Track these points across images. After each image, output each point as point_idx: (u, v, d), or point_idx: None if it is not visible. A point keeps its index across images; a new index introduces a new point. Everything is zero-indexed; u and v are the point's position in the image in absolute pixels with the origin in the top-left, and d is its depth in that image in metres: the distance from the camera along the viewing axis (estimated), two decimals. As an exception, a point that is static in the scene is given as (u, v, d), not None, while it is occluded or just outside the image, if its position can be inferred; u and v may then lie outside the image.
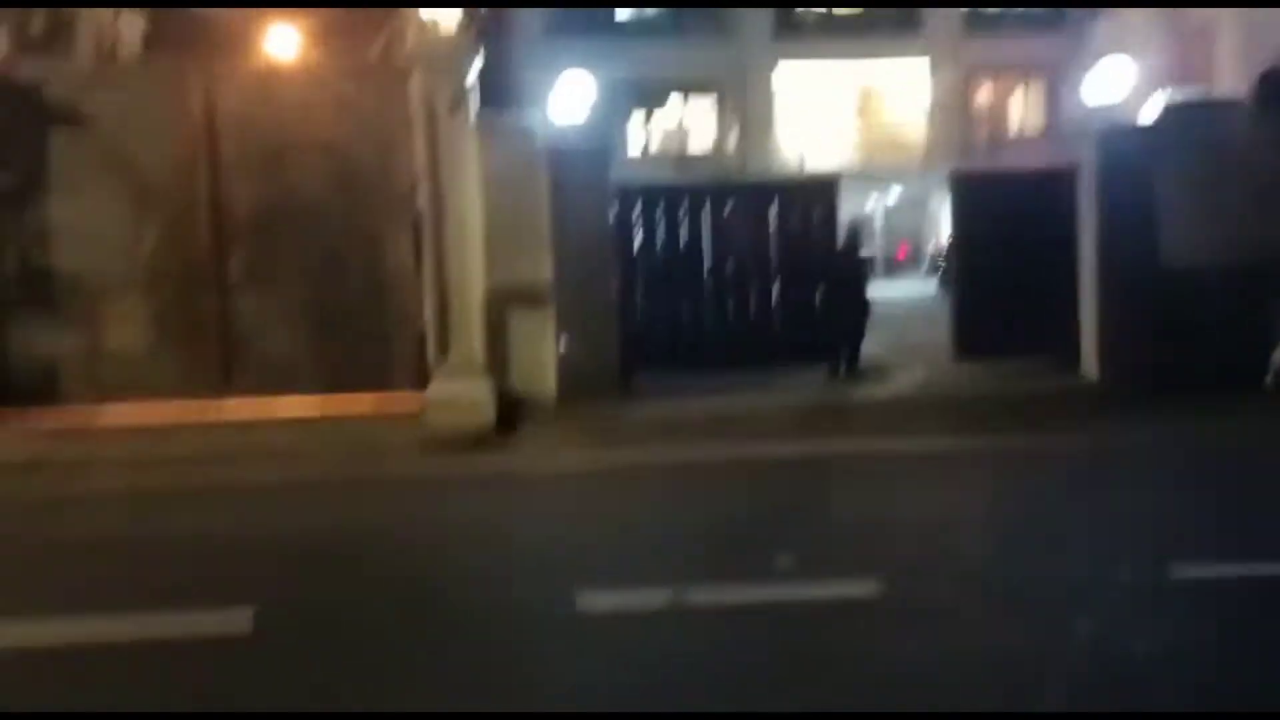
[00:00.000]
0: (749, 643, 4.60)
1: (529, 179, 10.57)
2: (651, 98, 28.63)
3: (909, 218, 29.88)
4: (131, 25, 30.64)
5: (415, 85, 10.23)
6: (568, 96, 11.12)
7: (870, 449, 8.82)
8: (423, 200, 10.26)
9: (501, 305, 10.52)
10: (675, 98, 28.89)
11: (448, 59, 10.24)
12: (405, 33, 11.02)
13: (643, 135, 28.93)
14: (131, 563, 6.00)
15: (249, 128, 10.32)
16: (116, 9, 24.32)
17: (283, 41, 15.58)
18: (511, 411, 10.07)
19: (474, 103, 10.43)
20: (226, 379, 10.35)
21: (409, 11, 11.34)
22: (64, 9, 17.86)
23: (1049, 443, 8.75)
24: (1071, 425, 9.30)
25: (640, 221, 11.52)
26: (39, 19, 16.91)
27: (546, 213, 10.59)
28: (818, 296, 11.91)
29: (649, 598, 5.04)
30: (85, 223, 10.11)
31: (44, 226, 10.10)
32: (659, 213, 11.63)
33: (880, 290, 15.63)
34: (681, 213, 11.66)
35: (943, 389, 11.25)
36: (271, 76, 11.01)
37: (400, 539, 6.52)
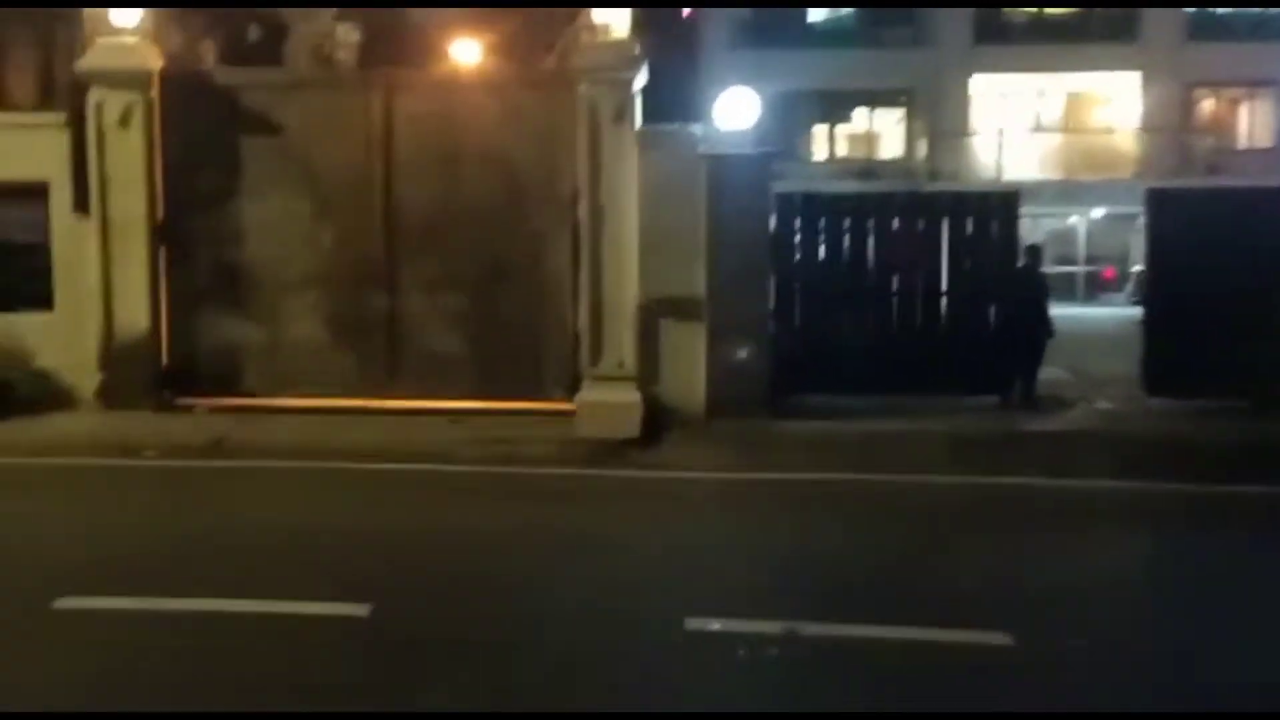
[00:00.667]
0: (853, 681, 4.37)
1: (688, 190, 10.48)
2: (840, 107, 28.03)
3: (1117, 237, 27.99)
4: (347, 36, 32.58)
5: (582, 94, 10.32)
6: (734, 108, 10.92)
7: (1033, 486, 8.25)
8: (583, 208, 10.36)
9: (654, 315, 10.49)
10: (864, 106, 28.16)
11: (614, 68, 10.30)
12: (576, 43, 11.17)
13: (828, 145, 28.34)
14: (276, 551, 6.29)
15: (424, 135, 10.69)
16: (335, 18, 25.83)
17: (463, 52, 16.13)
18: (659, 422, 10.03)
19: (638, 112, 10.43)
20: (391, 376, 10.76)
21: (583, 20, 11.48)
22: (275, 16, 19.17)
23: (1236, 493, 7.92)
24: (1266, 477, 8.37)
25: (801, 233, 11.18)
26: (254, 28, 18.20)
27: (704, 224, 10.47)
28: (992, 317, 11.23)
29: (759, 626, 4.88)
30: (271, 223, 10.73)
31: (235, 226, 10.75)
32: (821, 224, 11.27)
33: (1078, 313, 14.66)
34: (845, 224, 11.25)
35: (1125, 426, 10.38)
36: (448, 85, 11.36)
37: (530, 541, 6.59)
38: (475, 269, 10.72)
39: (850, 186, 18.17)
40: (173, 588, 5.46)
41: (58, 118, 10.65)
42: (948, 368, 11.02)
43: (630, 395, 10.09)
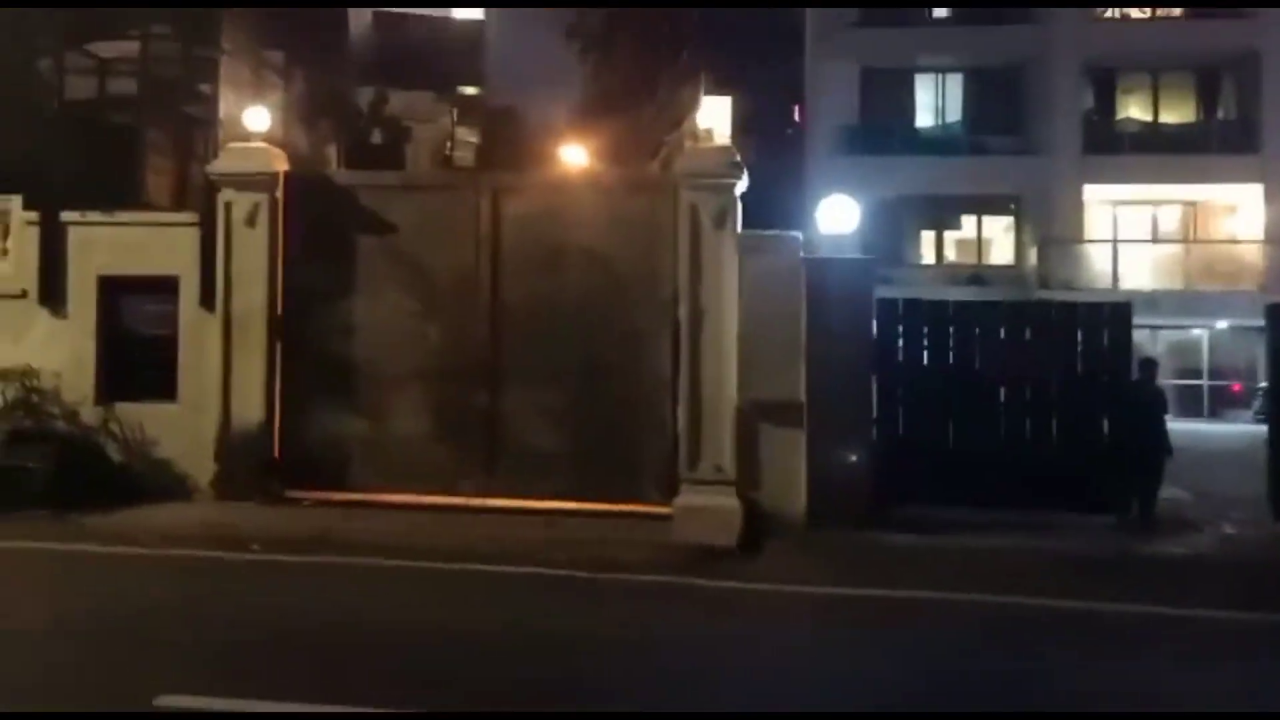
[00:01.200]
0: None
1: (788, 294, 10.46)
2: (947, 213, 27.86)
3: (1243, 350, 26.84)
4: (466, 138, 33.95)
5: (684, 198, 10.48)
6: (836, 214, 10.94)
7: (1151, 614, 7.76)
8: (684, 310, 10.42)
9: (754, 419, 10.39)
10: (971, 213, 27.92)
11: (716, 173, 10.45)
12: (680, 148, 11.41)
13: (935, 251, 28.11)
14: (368, 651, 6.31)
15: (530, 235, 10.95)
16: (453, 125, 27.03)
17: (571, 155, 16.63)
18: (758, 528, 9.84)
19: (740, 217, 10.53)
20: (490, 472, 10.84)
21: (686, 126, 11.74)
22: (398, 120, 20.16)
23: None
24: None
25: (905, 340, 11.01)
26: (377, 131, 19.16)
27: (804, 328, 10.41)
28: (1105, 432, 10.80)
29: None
30: (381, 319, 11.05)
31: (347, 321, 11.11)
32: (926, 331, 11.08)
33: (1202, 430, 13.95)
34: (951, 332, 11.04)
35: (1251, 552, 9.77)
36: (554, 187, 11.67)
37: (621, 650, 6.46)
38: (576, 367, 10.82)
39: (959, 293, 17.91)
40: (268, 688, 5.48)
41: (190, 216, 11.28)
42: (1059, 483, 10.56)
43: (728, 501, 9.96)
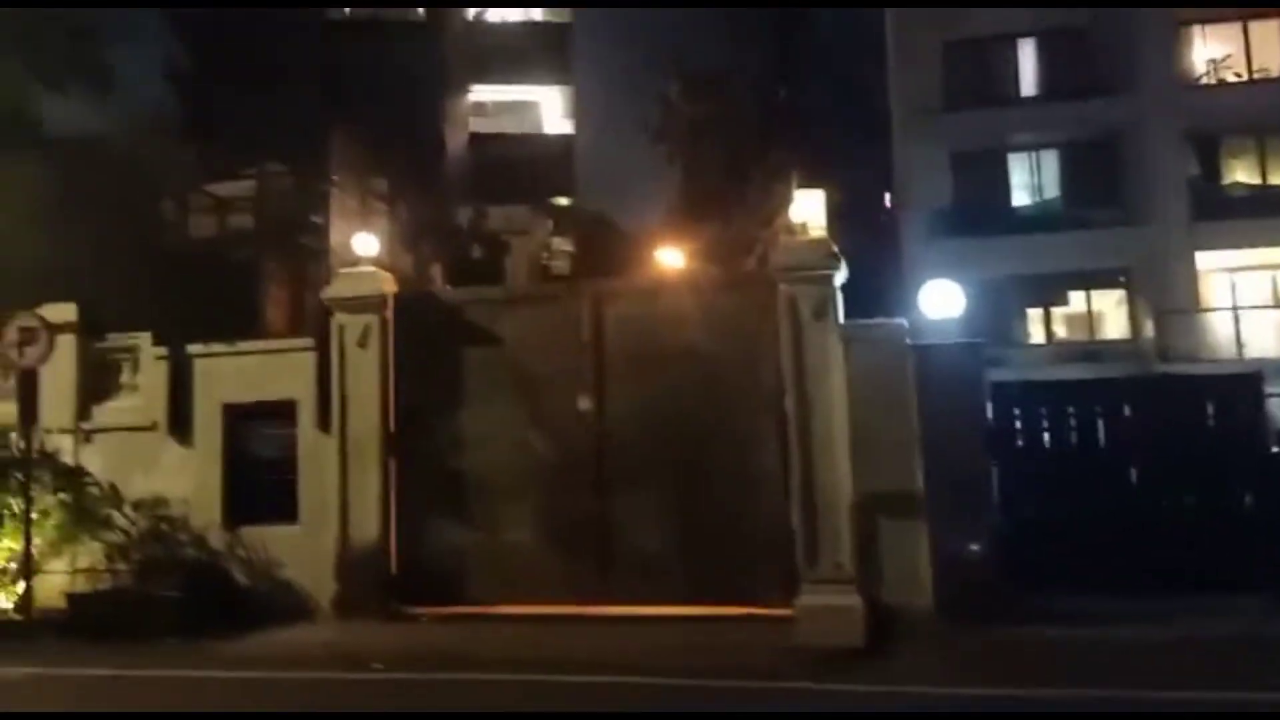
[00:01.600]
0: None
1: (897, 383, 10.27)
2: (1053, 290, 27.19)
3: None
4: (562, 248, 34.83)
5: (782, 292, 10.47)
6: (939, 298, 10.77)
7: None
8: (789, 405, 10.31)
9: (871, 512, 10.12)
10: (1079, 289, 27.21)
11: (813, 266, 10.42)
12: (775, 243, 11.45)
13: (1044, 329, 27.39)
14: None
15: (631, 339, 11.04)
16: (549, 236, 27.71)
17: (667, 257, 16.83)
18: (884, 627, 9.49)
19: (840, 308, 10.45)
20: (603, 579, 10.73)
21: (781, 221, 11.80)
22: (496, 236, 20.78)
23: None
24: None
25: (1023, 423, 10.66)
26: (477, 247, 19.76)
27: (916, 417, 10.17)
28: (1246, 508, 10.20)
29: None
30: (490, 430, 11.18)
31: (457, 434, 11.27)
32: (1044, 413, 10.72)
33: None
34: (1071, 412, 10.67)
35: None
36: (652, 290, 11.79)
37: None
38: (685, 469, 10.74)
39: (1073, 370, 17.36)
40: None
41: (306, 341, 11.70)
42: (1200, 565, 9.98)
43: (851, 599, 9.66)
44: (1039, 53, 27.22)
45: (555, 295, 11.97)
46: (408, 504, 11.17)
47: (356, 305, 11.30)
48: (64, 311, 11.75)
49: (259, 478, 11.58)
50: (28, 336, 10.68)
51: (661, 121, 42.19)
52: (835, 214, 10.99)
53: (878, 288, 13.11)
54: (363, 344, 11.21)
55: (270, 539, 11.34)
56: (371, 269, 11.51)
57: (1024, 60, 27.30)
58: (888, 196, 27.72)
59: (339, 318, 11.33)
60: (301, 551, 11.18)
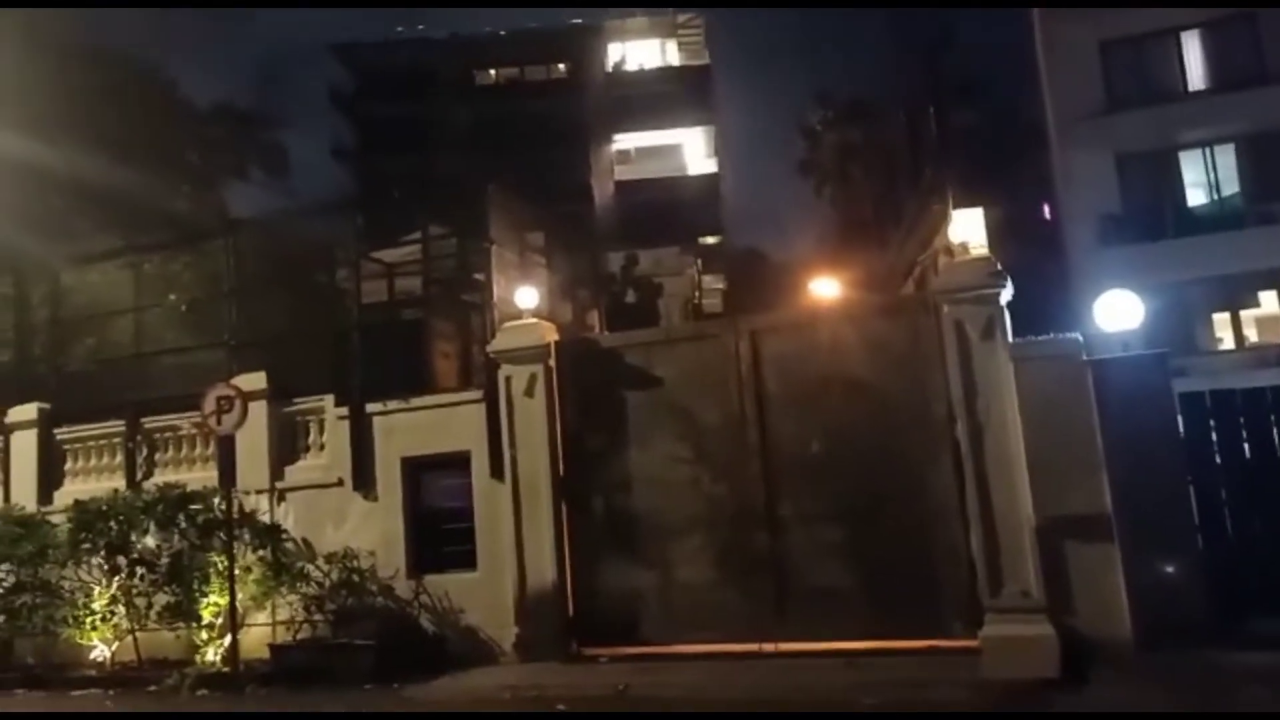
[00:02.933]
0: None
1: (1075, 400, 9.82)
2: (1240, 291, 25.50)
3: None
4: (713, 285, 34.98)
5: (946, 315, 10.21)
6: (1115, 310, 10.28)
7: None
8: (961, 429, 10.01)
9: (1056, 537, 9.67)
10: (1270, 288, 25.41)
11: (977, 285, 10.13)
12: (935, 265, 11.18)
13: (1233, 333, 25.68)
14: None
15: (790, 371, 10.96)
16: (698, 275, 27.91)
17: (820, 287, 16.64)
18: (1079, 656, 9.03)
19: (1007, 327, 10.10)
20: (779, 616, 10.61)
21: (939, 242, 11.53)
22: (648, 279, 21.05)
23: None
24: None
25: (1219, 434, 9.99)
26: (631, 292, 20.04)
27: (1098, 436, 9.68)
28: None
29: None
30: (656, 470, 11.26)
31: (624, 475, 11.40)
32: (1243, 423, 10.01)
33: None
34: (1273, 421, 9.92)
35: None
36: (808, 322, 11.68)
37: None
38: (855, 500, 10.53)
39: (1271, 377, 16.13)
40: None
41: (475, 394, 12.11)
42: None
43: (1042, 629, 9.25)
44: (1205, 45, 25.81)
45: (711, 333, 11.99)
46: (581, 546, 11.35)
47: (521, 356, 11.63)
48: (255, 380, 12.57)
49: (439, 527, 12.03)
50: (225, 405, 11.43)
51: (807, 152, 42.05)
52: (996, 231, 10.68)
53: (1045, 303, 12.58)
54: (529, 393, 11.52)
55: (452, 586, 11.72)
56: (533, 320, 11.85)
57: (1189, 54, 25.92)
58: (1046, 207, 26.69)
59: (505, 369, 11.69)
60: (482, 597, 11.50)
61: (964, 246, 10.51)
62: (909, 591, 10.19)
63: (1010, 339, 10.10)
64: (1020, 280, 10.50)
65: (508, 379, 11.64)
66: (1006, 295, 10.17)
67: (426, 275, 13.71)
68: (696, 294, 32.08)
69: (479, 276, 13.07)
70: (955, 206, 11.31)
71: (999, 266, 10.17)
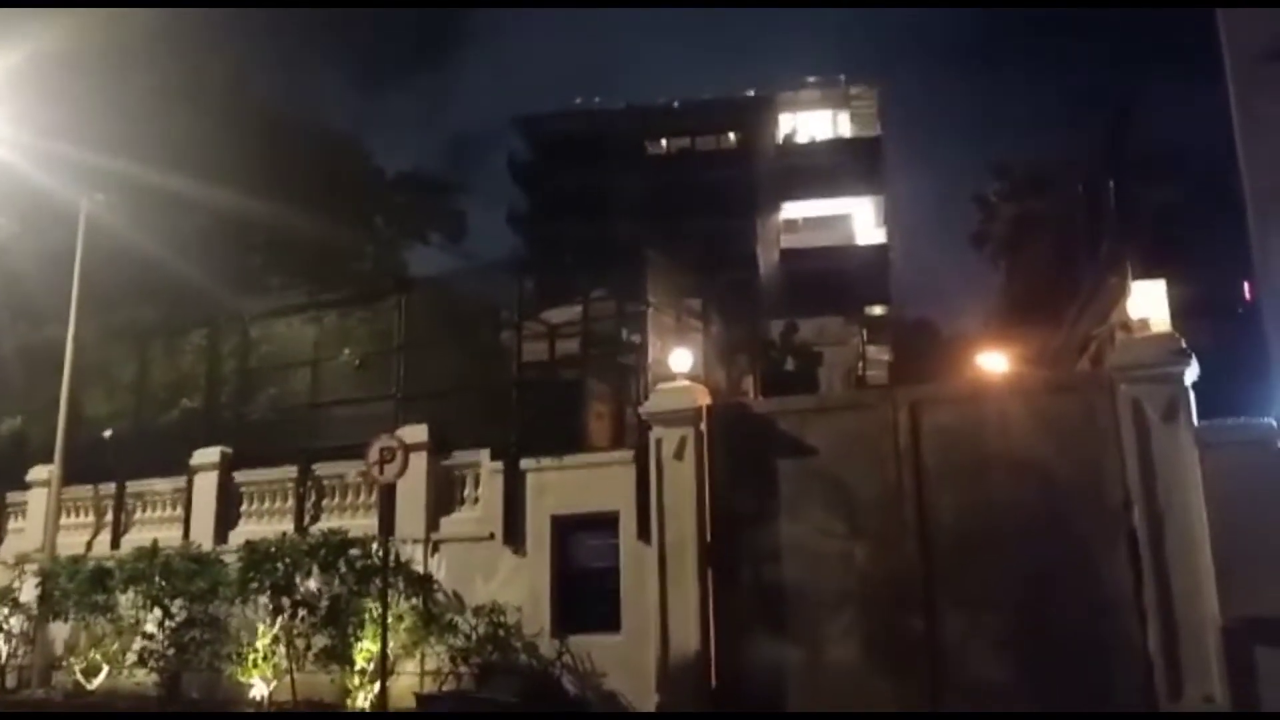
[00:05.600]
0: None
1: (1269, 491, 9.05)
2: None
3: None
4: (879, 356, 34.27)
5: (1123, 394, 9.62)
6: (1316, 390, 9.46)
7: None
8: (1138, 516, 9.36)
9: (1246, 640, 8.88)
10: None
11: (1158, 364, 9.54)
12: (1111, 341, 10.59)
13: None
14: None
15: (952, 447, 10.53)
16: (863, 345, 27.47)
17: (989, 362, 16.00)
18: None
19: (1192, 409, 9.42)
20: (934, 703, 10.07)
21: (1116, 318, 10.93)
22: (808, 347, 20.75)
23: None
24: None
25: None
26: (790, 360, 19.81)
27: (1298, 529, 8.87)
28: None
29: None
30: (806, 542, 10.96)
31: (773, 545, 11.12)
32: None
33: None
34: None
35: None
36: (973, 396, 11.20)
37: None
38: (1019, 586, 9.98)
39: None
40: None
41: (625, 455, 12.12)
42: None
43: (1226, 738, 8.47)
44: None
45: (869, 403, 11.67)
46: (726, 615, 11.11)
47: (672, 419, 11.60)
48: (417, 433, 12.98)
49: (585, 586, 12.02)
50: (387, 455, 11.81)
51: (981, 224, 40.90)
52: (1183, 308, 10.07)
53: (1241, 389, 11.69)
54: (679, 456, 11.45)
55: (595, 648, 11.65)
56: (686, 383, 11.82)
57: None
58: (1247, 286, 24.96)
59: (656, 431, 11.67)
60: (624, 661, 11.38)
61: (1143, 322, 9.95)
62: (1077, 689, 9.55)
63: (1195, 422, 9.42)
64: (1212, 362, 9.84)
65: (658, 441, 11.61)
66: (1191, 375, 9.56)
67: (585, 336, 13.93)
68: (860, 364, 31.47)
69: (635, 339, 13.19)
70: (1135, 279, 10.71)
71: (1182, 344, 9.59)
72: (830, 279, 44.31)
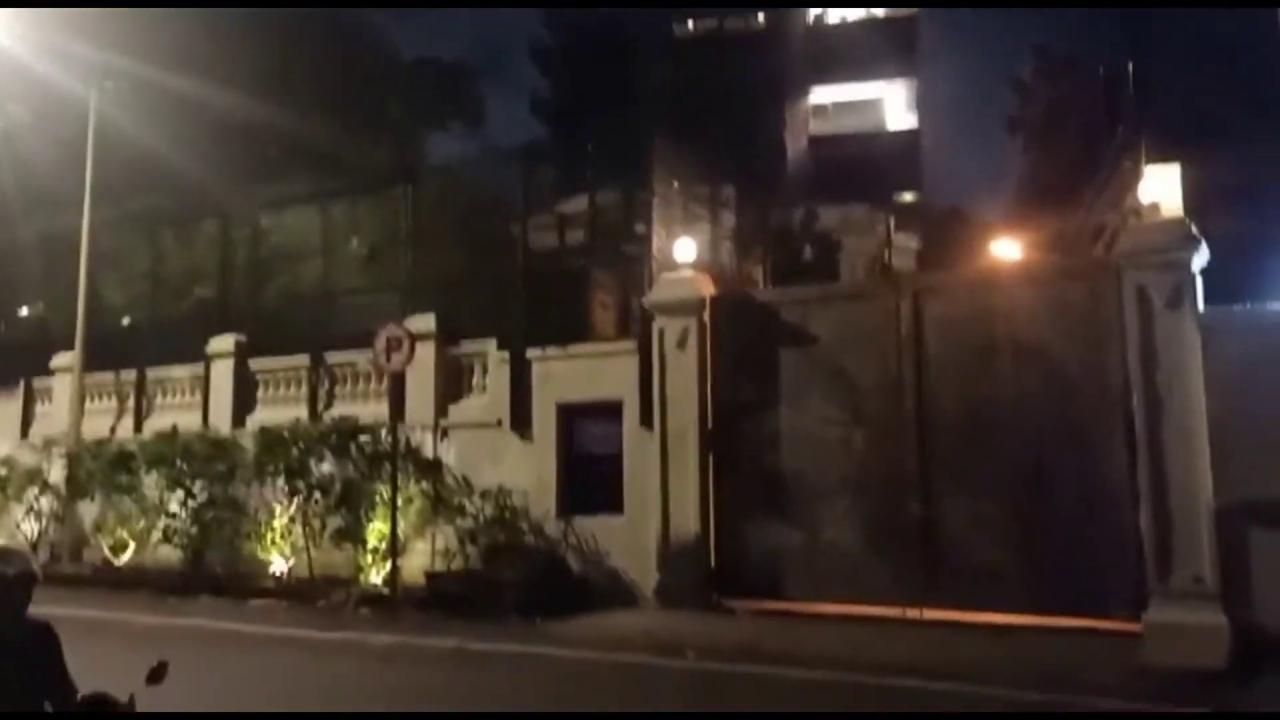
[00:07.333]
0: None
1: (1269, 380, 8.95)
2: None
3: None
4: (905, 247, 33.76)
5: (1129, 280, 9.49)
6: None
7: None
8: (1137, 402, 9.33)
9: (1238, 523, 8.93)
10: None
11: (1165, 249, 9.38)
12: (1123, 227, 10.38)
13: None
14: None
15: (955, 335, 10.50)
16: (889, 233, 27.16)
17: (1002, 250, 15.78)
18: (1253, 651, 8.37)
19: (1197, 295, 9.29)
20: (926, 584, 10.29)
21: (1129, 203, 10.70)
22: (827, 236, 20.53)
23: None
24: None
25: None
26: (808, 248, 19.62)
27: (1297, 413, 8.81)
28: None
29: None
30: (806, 429, 11.09)
31: (773, 433, 11.28)
32: None
33: None
34: None
35: None
36: (980, 284, 11.09)
37: None
38: (1016, 472, 10.05)
39: None
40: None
41: (629, 345, 12.22)
42: None
43: (1213, 617, 8.63)
44: None
45: (873, 292, 11.62)
46: (726, 499, 11.32)
47: (675, 308, 11.62)
48: (424, 322, 13.11)
49: (589, 471, 12.27)
50: (394, 344, 11.97)
51: (1018, 108, 39.72)
52: (1200, 193, 9.81)
53: (1263, 275, 11.43)
54: (682, 345, 11.52)
55: (599, 529, 11.95)
56: (690, 274, 11.80)
57: None
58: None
59: (659, 321, 11.71)
60: (627, 542, 11.68)
61: (1154, 207, 9.73)
62: (1068, 568, 9.71)
63: (1201, 308, 9.30)
64: (1230, 250, 9.62)
65: (661, 331, 11.67)
66: (1199, 261, 9.40)
67: (592, 227, 13.87)
68: (886, 253, 31.08)
69: (640, 228, 13.12)
70: (1149, 163, 10.43)
71: (1192, 230, 9.39)
72: (859, 166, 43.43)
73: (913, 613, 10.18)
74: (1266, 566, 8.87)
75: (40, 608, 3.66)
